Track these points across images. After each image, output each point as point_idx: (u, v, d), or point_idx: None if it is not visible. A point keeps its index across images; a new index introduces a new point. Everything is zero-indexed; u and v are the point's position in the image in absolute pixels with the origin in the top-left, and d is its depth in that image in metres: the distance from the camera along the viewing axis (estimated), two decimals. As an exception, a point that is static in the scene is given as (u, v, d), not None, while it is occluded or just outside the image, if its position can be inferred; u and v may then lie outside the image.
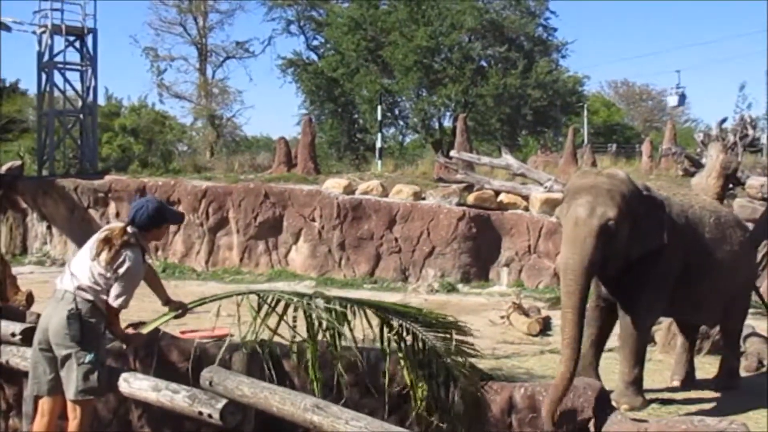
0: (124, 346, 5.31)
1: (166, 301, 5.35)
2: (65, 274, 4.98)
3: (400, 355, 4.98)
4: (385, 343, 5.00)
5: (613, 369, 7.49)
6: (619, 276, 6.90)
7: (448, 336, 5.12)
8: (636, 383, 7.04)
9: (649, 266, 6.88)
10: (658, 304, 7.19)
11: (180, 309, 5.29)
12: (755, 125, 16.54)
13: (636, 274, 6.88)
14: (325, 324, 4.79)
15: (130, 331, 5.17)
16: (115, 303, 4.86)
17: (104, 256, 4.85)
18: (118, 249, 4.87)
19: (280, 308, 4.99)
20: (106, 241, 4.90)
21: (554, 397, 5.14)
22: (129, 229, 4.97)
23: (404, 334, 5.00)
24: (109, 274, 4.85)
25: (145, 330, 5.21)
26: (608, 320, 7.26)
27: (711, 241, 7.42)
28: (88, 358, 4.77)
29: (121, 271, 4.85)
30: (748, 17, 76.41)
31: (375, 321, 5.06)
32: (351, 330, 4.89)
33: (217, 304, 5.07)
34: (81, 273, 4.89)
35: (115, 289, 4.85)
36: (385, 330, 5.02)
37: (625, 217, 6.49)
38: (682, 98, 43.38)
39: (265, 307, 4.98)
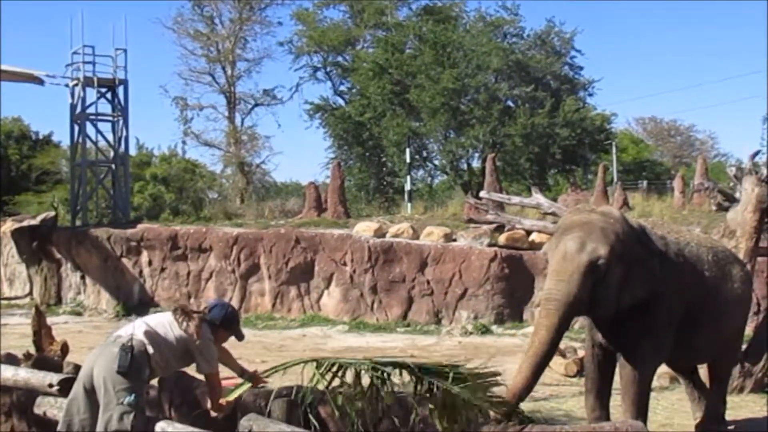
0: (217, 416, 5.39)
1: (241, 372, 5.55)
2: (125, 327, 5.20)
3: (431, 407, 5.03)
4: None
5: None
6: (619, 322, 6.39)
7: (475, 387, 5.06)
8: None
9: (650, 314, 6.37)
10: (660, 352, 6.63)
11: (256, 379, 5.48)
12: (789, 158, 16.31)
13: (637, 322, 6.36)
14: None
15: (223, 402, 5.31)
16: (210, 369, 5.21)
17: (187, 324, 5.12)
18: (199, 323, 5.15)
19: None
20: (185, 312, 5.18)
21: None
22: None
23: (434, 390, 5.02)
24: (186, 339, 5.11)
25: (230, 398, 5.32)
26: (607, 370, 6.74)
27: (712, 280, 6.86)
28: (128, 399, 4.81)
29: (202, 341, 5.13)
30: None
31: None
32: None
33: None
34: (154, 325, 5.13)
35: (203, 359, 5.17)
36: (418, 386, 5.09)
37: (618, 259, 6.02)
38: None
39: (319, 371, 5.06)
